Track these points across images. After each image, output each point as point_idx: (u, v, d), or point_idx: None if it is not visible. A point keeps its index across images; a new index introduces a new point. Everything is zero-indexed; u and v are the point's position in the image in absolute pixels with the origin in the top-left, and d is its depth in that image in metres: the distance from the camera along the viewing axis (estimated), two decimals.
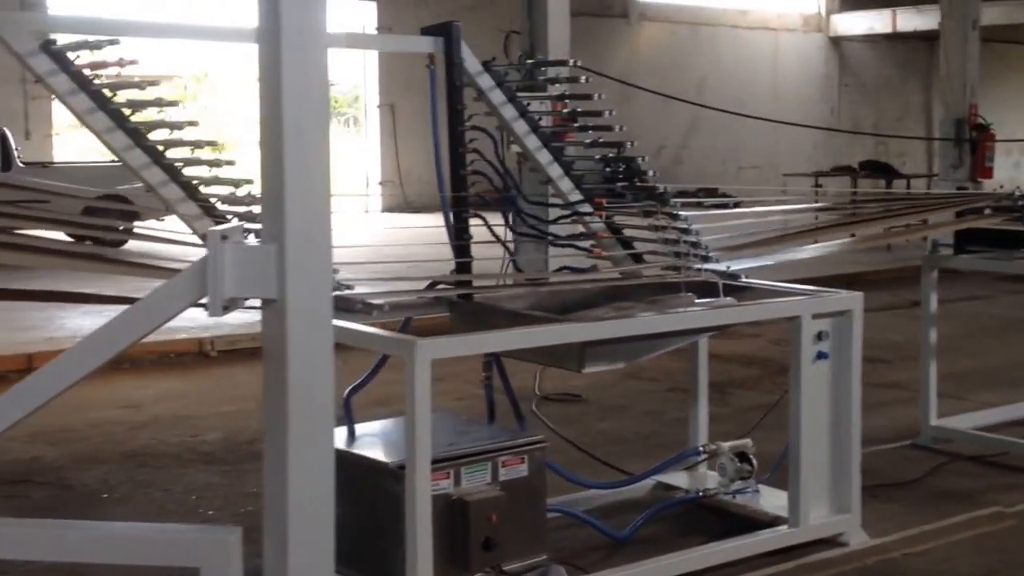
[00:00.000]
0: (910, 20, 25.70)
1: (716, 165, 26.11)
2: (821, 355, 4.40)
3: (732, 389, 7.44)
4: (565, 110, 4.45)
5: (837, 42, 28.50)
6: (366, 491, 3.72)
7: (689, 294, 4.47)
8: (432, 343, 3.40)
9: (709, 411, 5.03)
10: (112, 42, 3.59)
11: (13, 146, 14.20)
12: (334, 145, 3.82)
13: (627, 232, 4.51)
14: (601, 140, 4.40)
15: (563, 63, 4.26)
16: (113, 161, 16.64)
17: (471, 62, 4.28)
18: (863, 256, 12.69)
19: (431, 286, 4.17)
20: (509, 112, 4.39)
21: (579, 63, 4.61)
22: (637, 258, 4.58)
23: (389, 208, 20.16)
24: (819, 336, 4.38)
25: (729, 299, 4.43)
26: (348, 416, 3.98)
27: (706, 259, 4.47)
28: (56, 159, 17.37)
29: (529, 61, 4.34)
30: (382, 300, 3.68)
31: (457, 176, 4.20)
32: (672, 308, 4.27)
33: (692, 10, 25.81)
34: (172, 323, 2.35)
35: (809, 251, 4.93)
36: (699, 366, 4.95)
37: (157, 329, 2.32)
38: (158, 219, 14.98)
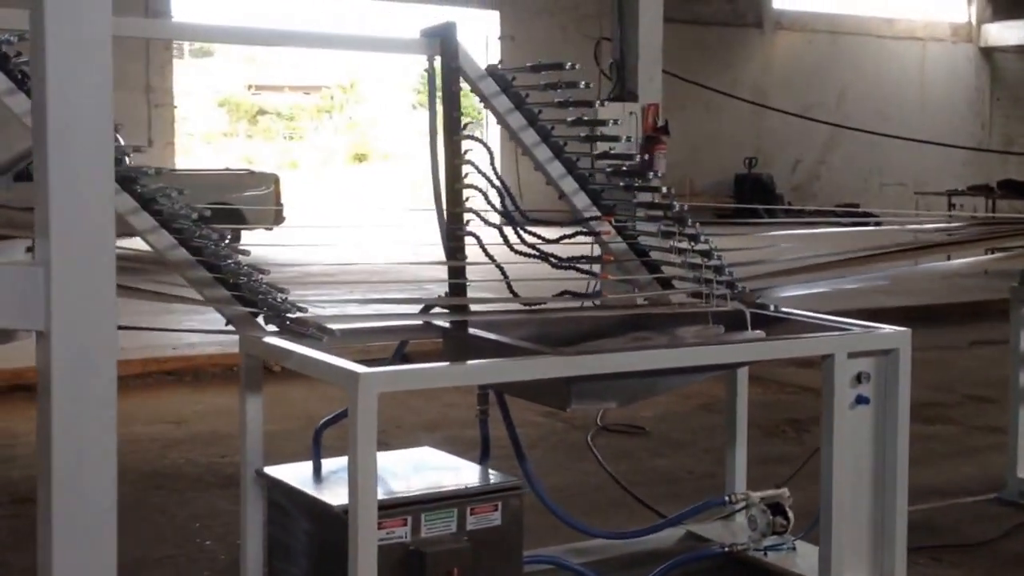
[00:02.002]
0: None
1: (857, 181, 25.01)
2: (861, 399, 3.86)
3: (812, 426, 6.84)
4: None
5: (989, 53, 27.00)
6: (315, 537, 3.38)
7: (718, 326, 4.01)
8: (379, 374, 3.04)
9: (749, 453, 4.52)
10: None
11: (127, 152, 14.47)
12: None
13: (641, 254, 4.06)
14: (613, 151, 3.96)
15: (559, 66, 3.84)
16: (224, 170, 17.06)
17: (472, 66, 3.92)
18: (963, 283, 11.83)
19: (425, 310, 3.83)
20: (516, 120, 4.01)
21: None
22: (663, 283, 4.13)
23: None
24: (859, 378, 3.84)
25: (757, 332, 3.94)
26: (316, 451, 3.66)
27: (732, 286, 3.98)
28: (178, 167, 17.76)
29: (528, 64, 3.93)
30: (339, 324, 3.35)
31: (452, 190, 3.84)
32: (692, 341, 3.82)
33: (832, 18, 24.82)
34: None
35: (849, 281, 4.37)
36: (737, 401, 4.45)
37: None
38: (267, 228, 15.23)
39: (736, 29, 23.39)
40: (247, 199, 14.67)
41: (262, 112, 38.00)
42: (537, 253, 3.86)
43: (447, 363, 3.23)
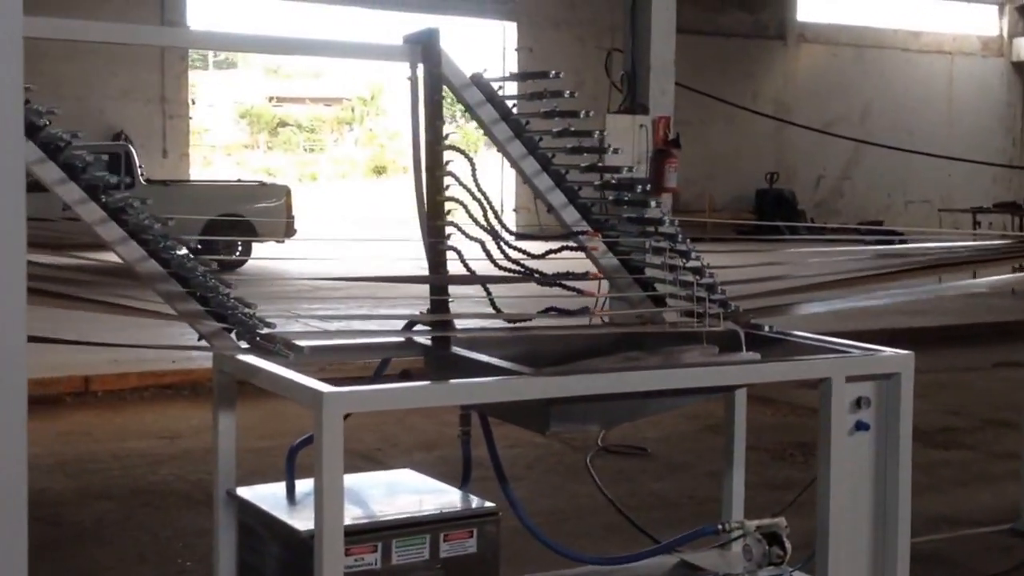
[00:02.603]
0: None
1: (881, 198, 24.69)
2: (860, 426, 3.68)
3: None
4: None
5: (1021, 67, 26.62)
6: (283, 562, 3.24)
7: (712, 346, 3.85)
8: (344, 394, 2.89)
9: (745, 479, 4.34)
10: None
11: (137, 163, 14.47)
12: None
13: (633, 271, 3.90)
14: (600, 164, 3.81)
15: (545, 75, 3.69)
16: (235, 182, 17.04)
17: (456, 74, 3.77)
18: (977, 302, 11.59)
19: (408, 327, 3.68)
20: (502, 131, 3.86)
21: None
22: (655, 301, 3.96)
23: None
24: (858, 403, 3.67)
25: (751, 354, 3.77)
26: (289, 471, 3.51)
27: (725, 305, 3.81)
28: (192, 178, 17.74)
29: (510, 72, 3.79)
30: (312, 341, 3.21)
31: (434, 203, 3.70)
32: (679, 362, 3.66)
33: (857, 31, 24.52)
34: None
35: (857, 301, 4.18)
36: (734, 425, 4.27)
37: None
38: (277, 240, 15.17)
39: (759, 42, 23.16)
40: (258, 211, 14.63)
41: (283, 124, 38.09)
42: (522, 269, 3.71)
43: (416, 383, 3.07)
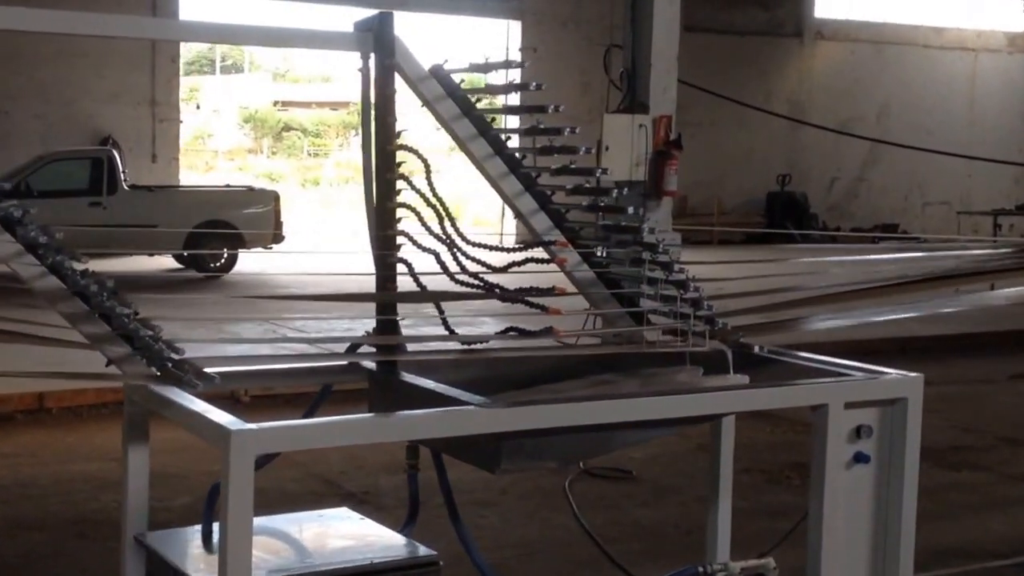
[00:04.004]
0: None
1: (897, 200, 24.11)
2: (860, 457, 3.28)
3: None
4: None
5: None
6: None
7: (696, 368, 3.46)
8: (255, 433, 2.51)
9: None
10: None
11: (120, 168, 14.14)
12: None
13: (611, 285, 3.51)
14: (573, 166, 3.42)
15: (510, 64, 3.31)
16: (223, 187, 16.58)
17: (412, 65, 3.39)
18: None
19: (351, 349, 3.31)
20: (465, 129, 3.47)
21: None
22: (636, 317, 3.57)
23: (524, 241, 19.27)
24: (858, 432, 3.27)
25: (740, 377, 3.38)
26: (207, 514, 3.13)
27: (711, 322, 3.42)
28: (183, 183, 17.42)
29: (470, 62, 3.40)
30: (221, 368, 2.84)
31: (383, 210, 3.32)
32: (663, 386, 3.28)
33: (876, 27, 23.89)
34: None
35: (838, 322, 3.77)
36: (720, 455, 3.87)
37: None
38: (265, 247, 14.79)
39: (774, 39, 22.61)
40: (245, 217, 14.27)
41: (287, 128, 37.76)
42: (481, 283, 3.33)
43: (341, 418, 2.68)
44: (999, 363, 9.77)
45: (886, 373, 3.37)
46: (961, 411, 7.59)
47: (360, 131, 3.36)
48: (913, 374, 3.36)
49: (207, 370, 2.79)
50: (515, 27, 19.82)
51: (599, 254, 3.53)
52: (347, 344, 3.26)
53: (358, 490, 5.72)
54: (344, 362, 3.28)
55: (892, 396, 3.32)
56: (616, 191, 3.39)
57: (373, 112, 3.32)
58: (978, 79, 25.23)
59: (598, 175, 3.39)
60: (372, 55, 3.29)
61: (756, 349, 3.50)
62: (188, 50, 36.82)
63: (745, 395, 3.17)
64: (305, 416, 3.18)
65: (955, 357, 9.90)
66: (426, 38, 3.43)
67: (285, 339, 2.99)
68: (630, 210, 3.36)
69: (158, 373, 2.82)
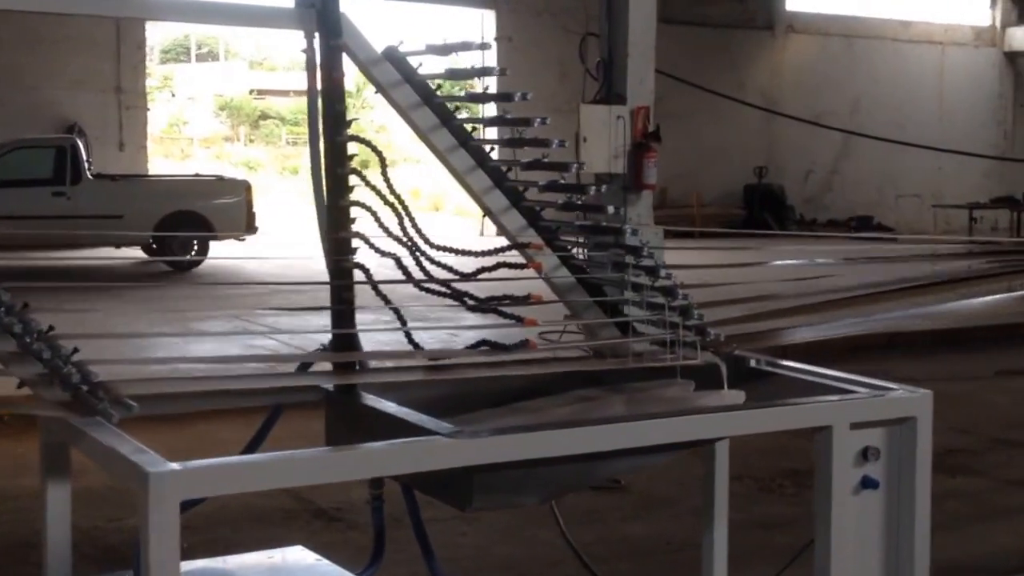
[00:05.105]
0: None
1: (870, 193, 24.02)
2: (868, 482, 2.96)
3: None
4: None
5: (1013, 58, 25.98)
6: None
7: (687, 381, 3.13)
8: (180, 475, 2.15)
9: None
10: None
11: (84, 157, 13.75)
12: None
13: (594, 291, 3.17)
14: (546, 159, 3.07)
15: (469, 46, 2.96)
16: (192, 176, 16.21)
17: (363, 46, 3.03)
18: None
19: (302, 368, 2.95)
20: (424, 119, 3.11)
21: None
22: (621, 327, 3.23)
23: (496, 247, 18.98)
24: (865, 454, 2.95)
25: (735, 393, 3.05)
26: (136, 559, 2.76)
27: (702, 332, 3.09)
28: (151, 172, 17.00)
29: (427, 44, 3.04)
30: (146, 390, 2.48)
31: (336, 208, 2.96)
32: (652, 407, 2.95)
33: (847, 21, 23.83)
34: None
35: (835, 329, 3.46)
36: (715, 479, 3.55)
37: None
38: (237, 238, 14.40)
39: (746, 32, 22.43)
40: (215, 207, 13.93)
41: (264, 116, 37.42)
42: (448, 291, 2.98)
43: (285, 454, 2.32)
44: (985, 359, 9.54)
45: (893, 389, 3.05)
46: (952, 411, 7.30)
47: (308, 121, 2.99)
48: (922, 391, 3.04)
49: (128, 394, 2.43)
50: (489, 16, 19.50)
51: (579, 257, 3.19)
52: (299, 364, 2.91)
53: (330, 505, 5.37)
54: (296, 383, 2.92)
55: (900, 415, 3.00)
56: (596, 188, 3.04)
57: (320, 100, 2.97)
58: (946, 73, 25.24)
59: (575, 169, 3.04)
60: (317, 35, 2.94)
61: (753, 363, 3.17)
62: (163, 38, 36.43)
63: (746, 417, 2.83)
64: (250, 445, 2.83)
65: (941, 352, 9.66)
66: (397, 28, 3.05)
67: (227, 358, 2.64)
68: (611, 209, 3.00)
69: (70, 399, 2.45)
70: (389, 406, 2.73)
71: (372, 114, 38.91)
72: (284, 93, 37.81)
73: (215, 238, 13.59)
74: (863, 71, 23.87)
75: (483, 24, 19.42)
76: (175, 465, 2.14)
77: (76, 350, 2.42)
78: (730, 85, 18.53)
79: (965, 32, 25.47)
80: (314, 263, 3.07)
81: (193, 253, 13.94)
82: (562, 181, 3.06)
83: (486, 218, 3.25)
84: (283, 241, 15.19)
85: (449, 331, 4.91)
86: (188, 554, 3.05)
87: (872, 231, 21.94)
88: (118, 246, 14.27)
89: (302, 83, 2.99)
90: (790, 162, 22.89)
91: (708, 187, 21.82)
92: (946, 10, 25.41)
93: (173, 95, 36.80)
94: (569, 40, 18.29)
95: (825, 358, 3.30)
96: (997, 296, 4.02)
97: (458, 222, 20.89)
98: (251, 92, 38.44)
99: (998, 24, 25.90)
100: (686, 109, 18.98)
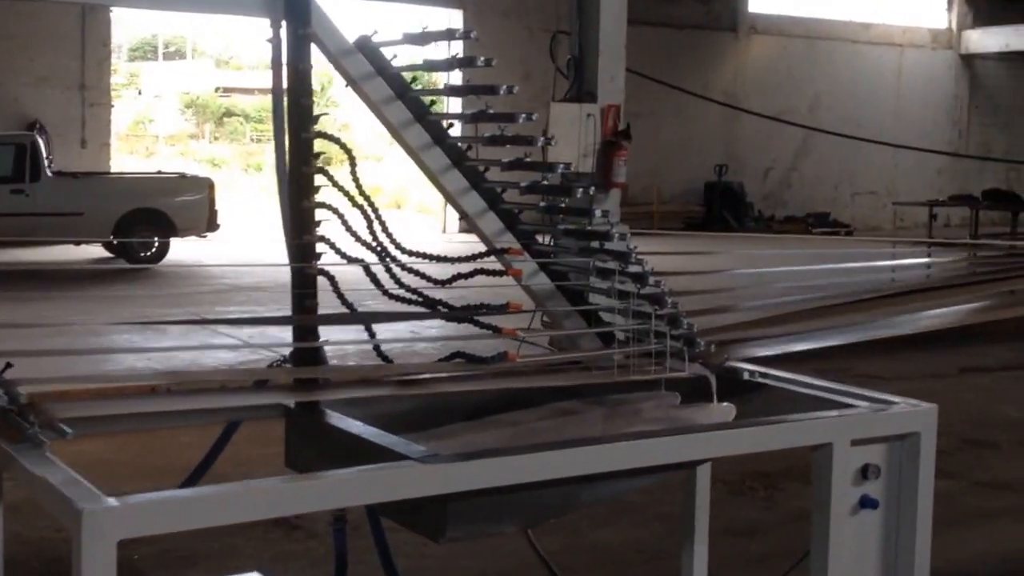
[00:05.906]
0: None
1: (828, 190, 24.18)
2: (866, 502, 2.80)
3: (784, 482, 5.75)
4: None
5: (969, 60, 26.18)
6: None
7: (672, 394, 2.95)
8: (120, 510, 1.92)
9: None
10: None
11: (44, 155, 13.43)
12: None
13: (569, 296, 2.98)
14: (528, 158, 2.87)
15: (451, 34, 2.77)
16: (154, 174, 15.83)
17: (334, 36, 2.82)
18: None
19: (258, 384, 2.73)
20: (396, 113, 2.91)
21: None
22: (607, 338, 3.04)
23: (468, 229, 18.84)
24: (864, 473, 2.78)
25: (725, 407, 2.88)
26: None
27: (691, 342, 2.91)
28: (115, 169, 16.67)
29: (404, 34, 2.84)
30: (85, 412, 2.26)
31: (299, 211, 2.75)
32: (634, 427, 2.77)
33: (808, 23, 23.96)
34: None
35: (833, 339, 3.30)
36: (696, 502, 3.38)
37: None
38: (199, 235, 14.12)
39: (710, 33, 22.44)
40: (177, 205, 13.68)
41: (229, 114, 37.24)
42: (420, 299, 2.78)
43: (236, 485, 2.08)
44: (947, 356, 9.48)
45: (894, 402, 2.89)
46: None
47: (273, 114, 2.78)
48: (926, 405, 2.88)
49: (64, 417, 2.20)
50: (456, 16, 19.34)
51: (558, 262, 3.00)
52: (255, 380, 2.69)
53: (309, 528, 5.13)
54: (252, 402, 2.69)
55: (903, 431, 2.84)
56: (580, 189, 2.85)
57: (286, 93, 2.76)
58: (904, 73, 25.46)
59: (560, 171, 2.84)
60: (284, 23, 2.72)
61: (746, 375, 3.00)
62: (132, 37, 36.05)
63: (741, 436, 2.65)
64: (199, 468, 2.61)
65: (904, 350, 9.55)
66: (362, 27, 2.84)
67: (179, 373, 2.44)
68: (599, 213, 2.81)
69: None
70: (355, 425, 2.52)
71: (336, 111, 38.76)
72: (249, 91, 37.60)
73: (175, 235, 13.34)
74: (824, 72, 24.02)
75: (450, 24, 19.24)
76: (112, 501, 1.91)
77: (9, 365, 2.19)
78: (694, 85, 18.49)
79: (923, 34, 25.69)
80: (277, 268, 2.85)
81: (153, 250, 13.69)
82: (545, 183, 2.87)
83: (449, 215, 3.05)
84: (245, 239, 14.94)
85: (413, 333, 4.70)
86: (137, 566, 2.81)
87: (828, 227, 22.10)
88: (78, 243, 14.00)
89: (268, 80, 2.78)
90: (750, 160, 22.98)
91: (669, 185, 21.85)
92: (905, 13, 25.63)
93: (140, 93, 36.58)
94: (533, 40, 18.15)
95: (788, 357, 3.12)
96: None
97: (420, 219, 20.66)
98: (217, 90, 38.21)
99: (954, 27, 26.12)
100: (649, 109, 18.97)
